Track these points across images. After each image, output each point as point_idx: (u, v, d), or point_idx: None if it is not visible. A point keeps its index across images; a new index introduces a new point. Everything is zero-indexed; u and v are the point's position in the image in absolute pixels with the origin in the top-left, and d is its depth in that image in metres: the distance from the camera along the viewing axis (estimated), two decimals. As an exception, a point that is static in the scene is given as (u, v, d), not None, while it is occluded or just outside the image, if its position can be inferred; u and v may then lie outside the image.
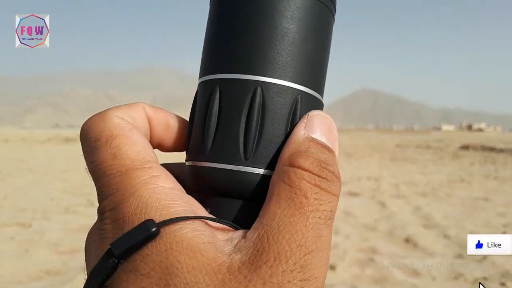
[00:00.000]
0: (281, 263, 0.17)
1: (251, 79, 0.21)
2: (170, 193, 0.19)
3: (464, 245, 3.75)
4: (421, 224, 4.52)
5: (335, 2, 0.25)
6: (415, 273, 3.08)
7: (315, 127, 0.21)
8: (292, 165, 0.20)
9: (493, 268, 3.18)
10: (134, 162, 0.20)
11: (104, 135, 0.21)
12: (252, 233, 0.19)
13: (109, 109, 0.23)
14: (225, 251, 0.18)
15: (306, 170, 0.19)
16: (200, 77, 0.25)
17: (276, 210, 0.18)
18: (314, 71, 0.24)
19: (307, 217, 0.18)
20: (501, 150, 18.01)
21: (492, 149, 18.88)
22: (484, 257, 3.40)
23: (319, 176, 0.19)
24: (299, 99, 0.22)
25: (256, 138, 0.22)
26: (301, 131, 0.21)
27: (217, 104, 0.22)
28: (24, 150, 14.77)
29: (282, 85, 0.22)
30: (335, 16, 0.25)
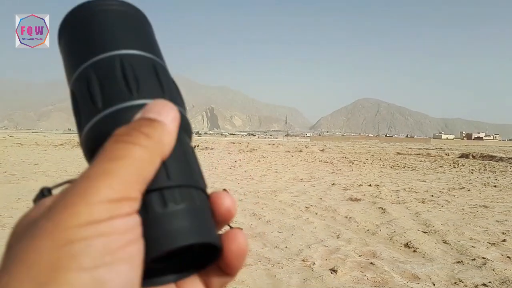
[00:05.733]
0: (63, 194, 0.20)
1: (115, 54, 0.26)
2: None
3: (463, 251, 3.78)
4: (421, 230, 4.54)
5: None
6: (415, 277, 3.11)
7: (147, 109, 0.24)
8: None
9: (492, 275, 3.20)
10: None
11: None
12: None
13: None
14: None
15: (114, 135, 0.22)
16: (71, 76, 0.27)
17: None
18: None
19: (102, 160, 0.21)
20: (500, 159, 18.01)
21: (491, 158, 18.90)
22: (484, 263, 3.43)
23: (122, 135, 0.22)
24: (155, 63, 0.28)
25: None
26: (137, 115, 0.24)
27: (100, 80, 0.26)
28: (38, 154, 14.90)
29: (137, 54, 0.27)
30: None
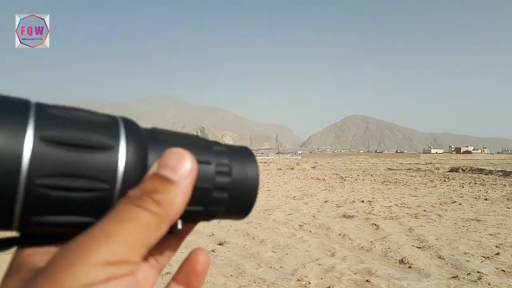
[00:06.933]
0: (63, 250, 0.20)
1: None
2: None
3: (458, 266, 3.77)
4: (415, 246, 4.52)
5: None
6: (412, 294, 3.07)
7: (163, 162, 0.23)
8: None
9: (488, 289, 3.19)
10: None
11: None
12: None
13: None
14: None
15: (127, 196, 0.22)
16: None
17: None
18: None
19: (108, 220, 0.21)
20: (489, 172, 18.24)
21: (481, 171, 19.12)
22: (479, 277, 3.42)
23: (135, 198, 0.22)
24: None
25: None
26: (153, 168, 0.23)
27: None
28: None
29: None
30: None
